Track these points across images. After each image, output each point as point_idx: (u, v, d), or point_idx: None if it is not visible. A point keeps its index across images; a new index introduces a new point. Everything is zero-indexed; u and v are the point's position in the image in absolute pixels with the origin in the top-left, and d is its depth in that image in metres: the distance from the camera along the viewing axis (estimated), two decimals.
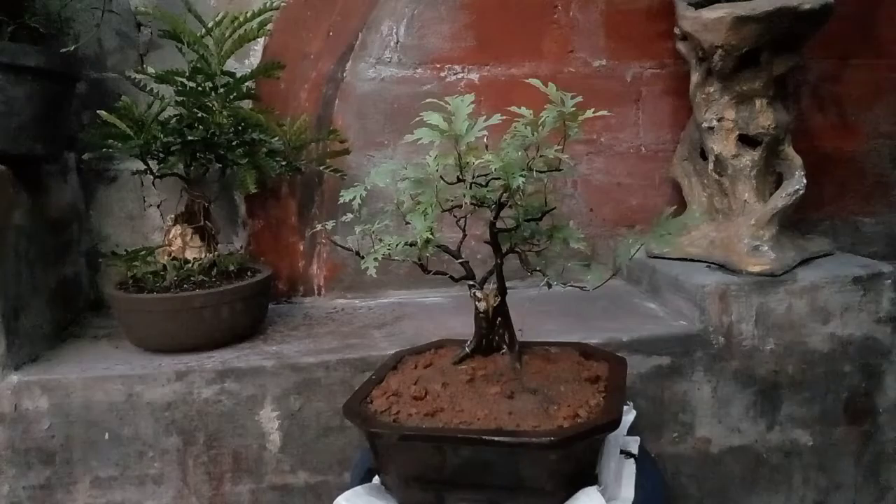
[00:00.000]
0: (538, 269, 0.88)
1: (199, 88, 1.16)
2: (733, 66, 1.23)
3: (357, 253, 0.85)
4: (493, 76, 1.42)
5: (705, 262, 1.31)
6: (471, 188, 0.79)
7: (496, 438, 0.75)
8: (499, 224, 0.86)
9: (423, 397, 0.84)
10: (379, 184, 0.84)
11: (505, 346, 0.92)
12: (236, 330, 1.15)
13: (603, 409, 0.81)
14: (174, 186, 1.25)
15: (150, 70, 1.16)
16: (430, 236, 0.77)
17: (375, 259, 0.80)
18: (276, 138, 1.23)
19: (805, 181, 1.26)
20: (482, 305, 0.89)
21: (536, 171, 0.80)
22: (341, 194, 0.88)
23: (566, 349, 0.98)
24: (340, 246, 0.89)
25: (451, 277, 0.90)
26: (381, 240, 0.82)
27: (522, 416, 0.79)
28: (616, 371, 0.91)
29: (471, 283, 0.89)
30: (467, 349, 0.92)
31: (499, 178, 0.80)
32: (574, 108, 0.78)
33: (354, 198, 0.85)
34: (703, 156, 1.37)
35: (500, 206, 0.83)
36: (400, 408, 0.83)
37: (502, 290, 0.90)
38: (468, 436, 0.76)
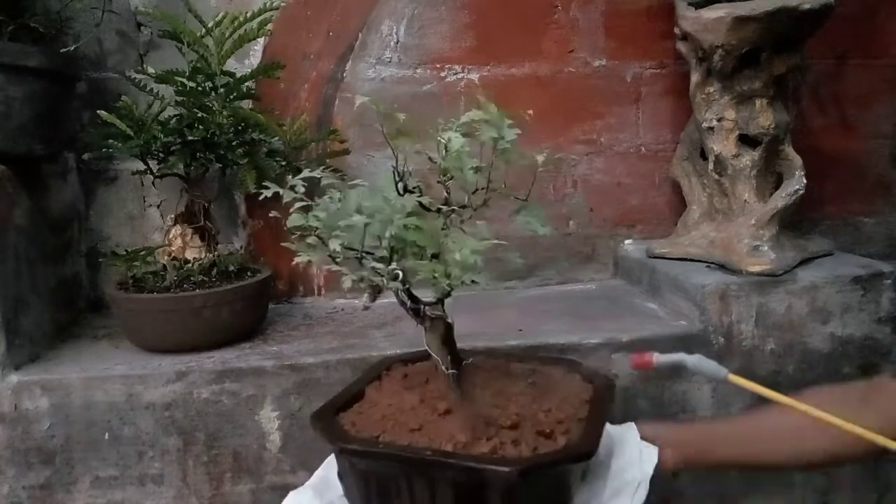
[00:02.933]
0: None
1: (199, 88, 1.16)
2: (733, 66, 1.23)
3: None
4: (493, 76, 1.42)
5: (705, 261, 1.31)
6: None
7: None
8: None
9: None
10: None
11: (469, 359, 0.89)
12: (236, 330, 1.15)
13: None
14: (174, 186, 1.25)
15: (150, 70, 1.16)
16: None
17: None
18: (276, 138, 1.23)
19: (805, 181, 1.26)
20: (451, 321, 0.85)
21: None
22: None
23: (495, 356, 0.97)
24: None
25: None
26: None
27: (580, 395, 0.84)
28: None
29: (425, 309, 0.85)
30: (448, 371, 0.85)
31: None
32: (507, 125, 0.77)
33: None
34: (703, 156, 1.37)
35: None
36: (525, 441, 0.74)
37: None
38: None
